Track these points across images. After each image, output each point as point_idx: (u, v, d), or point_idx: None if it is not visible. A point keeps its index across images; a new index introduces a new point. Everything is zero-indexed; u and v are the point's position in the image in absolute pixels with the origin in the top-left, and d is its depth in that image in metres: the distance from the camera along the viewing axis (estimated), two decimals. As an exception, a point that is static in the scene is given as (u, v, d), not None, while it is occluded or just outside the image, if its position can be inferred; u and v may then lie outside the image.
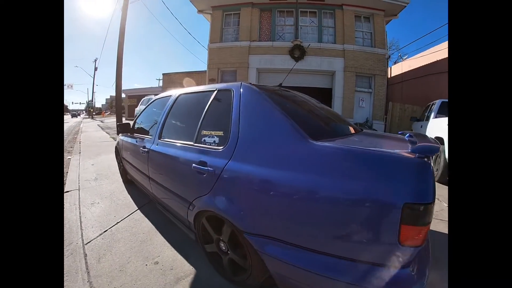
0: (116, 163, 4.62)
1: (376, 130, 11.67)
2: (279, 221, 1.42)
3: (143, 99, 11.36)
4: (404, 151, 1.25)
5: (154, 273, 1.98)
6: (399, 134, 2.69)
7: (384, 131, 11.84)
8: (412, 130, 9.22)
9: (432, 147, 1.20)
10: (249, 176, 1.53)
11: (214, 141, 1.89)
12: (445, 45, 14.28)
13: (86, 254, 2.23)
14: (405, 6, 12.52)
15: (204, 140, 1.97)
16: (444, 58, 14.07)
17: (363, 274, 1.21)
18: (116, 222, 2.84)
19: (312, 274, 1.31)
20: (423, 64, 15.81)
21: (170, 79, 20.85)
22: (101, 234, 2.59)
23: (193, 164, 1.88)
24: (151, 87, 24.71)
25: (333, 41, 12.56)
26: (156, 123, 2.77)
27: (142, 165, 2.89)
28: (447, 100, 7.30)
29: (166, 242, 2.45)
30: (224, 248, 1.87)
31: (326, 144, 1.39)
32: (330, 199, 1.25)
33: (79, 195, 3.68)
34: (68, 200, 3.46)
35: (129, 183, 4.04)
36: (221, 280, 1.90)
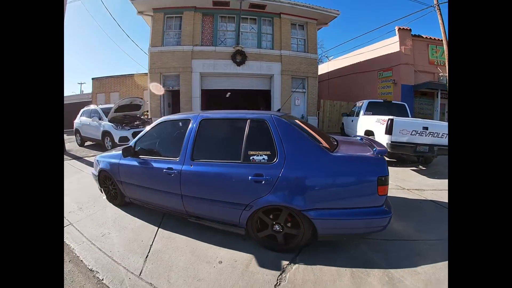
0: (92, 185, 4.54)
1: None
2: (321, 198, 2.52)
3: (82, 110, 10.28)
4: (372, 154, 2.67)
5: (226, 269, 2.48)
6: (353, 137, 4.06)
7: (318, 125, 14.59)
8: (342, 123, 11.23)
9: (384, 150, 2.68)
10: (298, 177, 2.56)
11: (264, 158, 2.68)
12: (366, 49, 17.14)
13: (151, 284, 2.30)
14: (336, 17, 14.38)
15: (253, 158, 2.70)
16: (365, 60, 16.96)
17: (365, 212, 2.49)
18: (149, 245, 2.87)
19: (343, 220, 2.51)
20: (348, 64, 18.52)
21: (101, 84, 19.13)
22: (145, 260, 2.60)
23: (250, 177, 2.61)
24: (76, 94, 21.86)
25: (271, 47, 13.72)
26: (177, 145, 3.10)
27: (167, 186, 3.10)
28: (373, 100, 9.22)
29: (212, 245, 2.85)
30: (278, 228, 2.72)
31: (338, 154, 2.68)
32: (347, 180, 2.54)
33: (78, 230, 3.29)
34: (70, 238, 3.09)
35: (126, 206, 3.94)
36: (274, 254, 2.71)
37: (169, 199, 3.17)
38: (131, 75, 18.97)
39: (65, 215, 3.68)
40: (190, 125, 3.11)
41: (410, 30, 14.99)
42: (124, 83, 18.92)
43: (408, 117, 8.41)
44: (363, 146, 3.13)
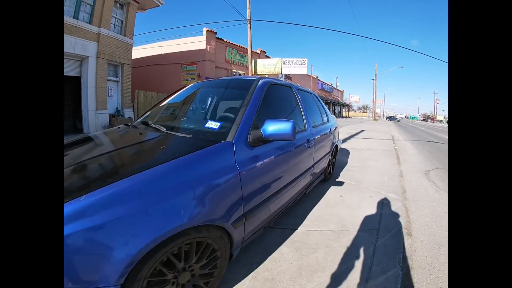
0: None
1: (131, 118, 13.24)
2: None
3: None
4: None
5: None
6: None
7: (134, 118, 12.75)
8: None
9: None
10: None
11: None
12: (170, 42, 19.28)
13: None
14: (159, 6, 14.34)
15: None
16: (170, 53, 19.06)
17: None
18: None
19: None
20: (148, 55, 19.99)
21: None
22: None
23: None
24: None
25: (89, 21, 11.29)
26: (293, 112, 2.82)
27: (304, 165, 2.73)
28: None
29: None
30: None
31: None
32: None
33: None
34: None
35: None
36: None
37: (296, 185, 2.58)
38: None
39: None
40: (290, 91, 2.93)
41: (216, 33, 18.01)
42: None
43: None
44: None
